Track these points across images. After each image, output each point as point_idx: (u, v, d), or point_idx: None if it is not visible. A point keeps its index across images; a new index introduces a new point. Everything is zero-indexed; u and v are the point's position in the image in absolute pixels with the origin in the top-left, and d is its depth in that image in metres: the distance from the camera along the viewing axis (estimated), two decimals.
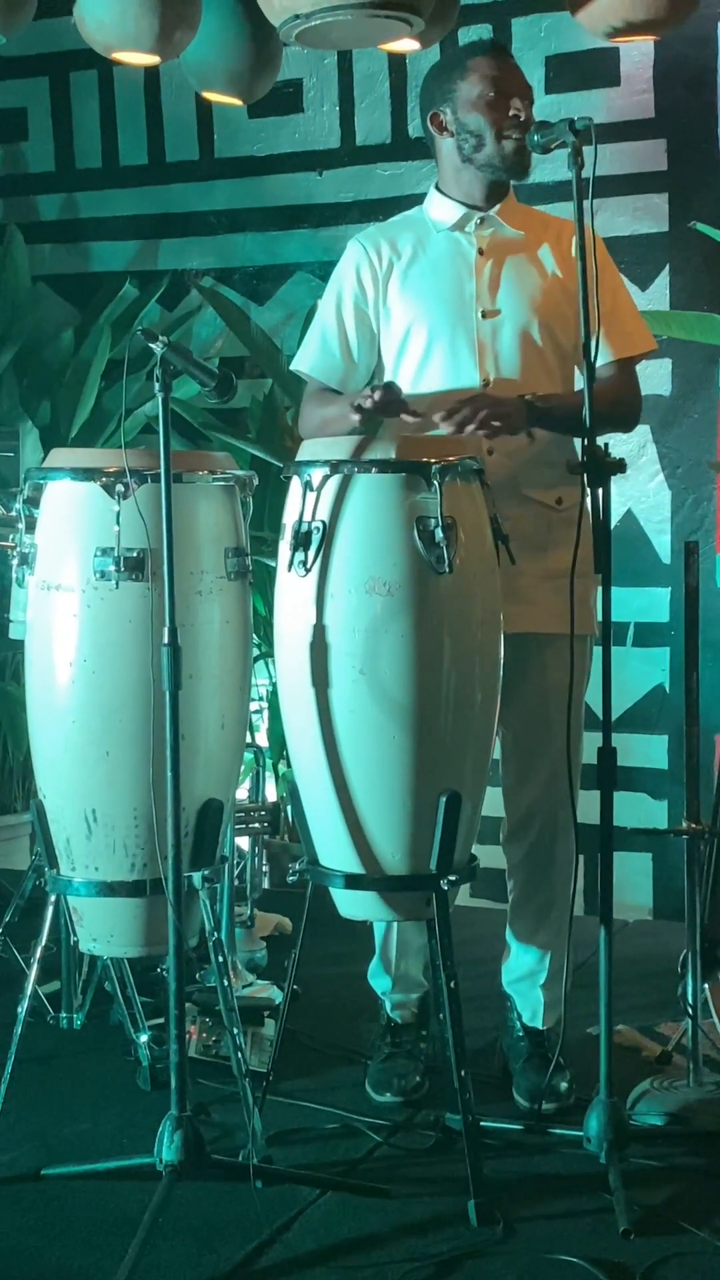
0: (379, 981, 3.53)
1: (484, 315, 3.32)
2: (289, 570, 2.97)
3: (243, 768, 3.42)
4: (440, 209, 3.40)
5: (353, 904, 3.06)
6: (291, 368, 3.60)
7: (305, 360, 3.50)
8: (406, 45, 3.94)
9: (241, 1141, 3.01)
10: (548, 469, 3.29)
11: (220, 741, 3.04)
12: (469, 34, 4.86)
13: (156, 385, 2.81)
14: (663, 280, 4.77)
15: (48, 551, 3.00)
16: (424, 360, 3.36)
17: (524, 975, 3.44)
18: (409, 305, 3.37)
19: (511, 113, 3.28)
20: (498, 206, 3.36)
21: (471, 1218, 2.81)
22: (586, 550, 3.28)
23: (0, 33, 3.82)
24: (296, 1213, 2.84)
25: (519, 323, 3.33)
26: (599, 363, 3.25)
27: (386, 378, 3.40)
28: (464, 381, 3.31)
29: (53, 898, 3.08)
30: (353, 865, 2.97)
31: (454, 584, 2.90)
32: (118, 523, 2.88)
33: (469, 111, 3.31)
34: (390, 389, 3.12)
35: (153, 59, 4.03)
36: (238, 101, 4.48)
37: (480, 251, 3.35)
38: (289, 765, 3.15)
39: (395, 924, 3.41)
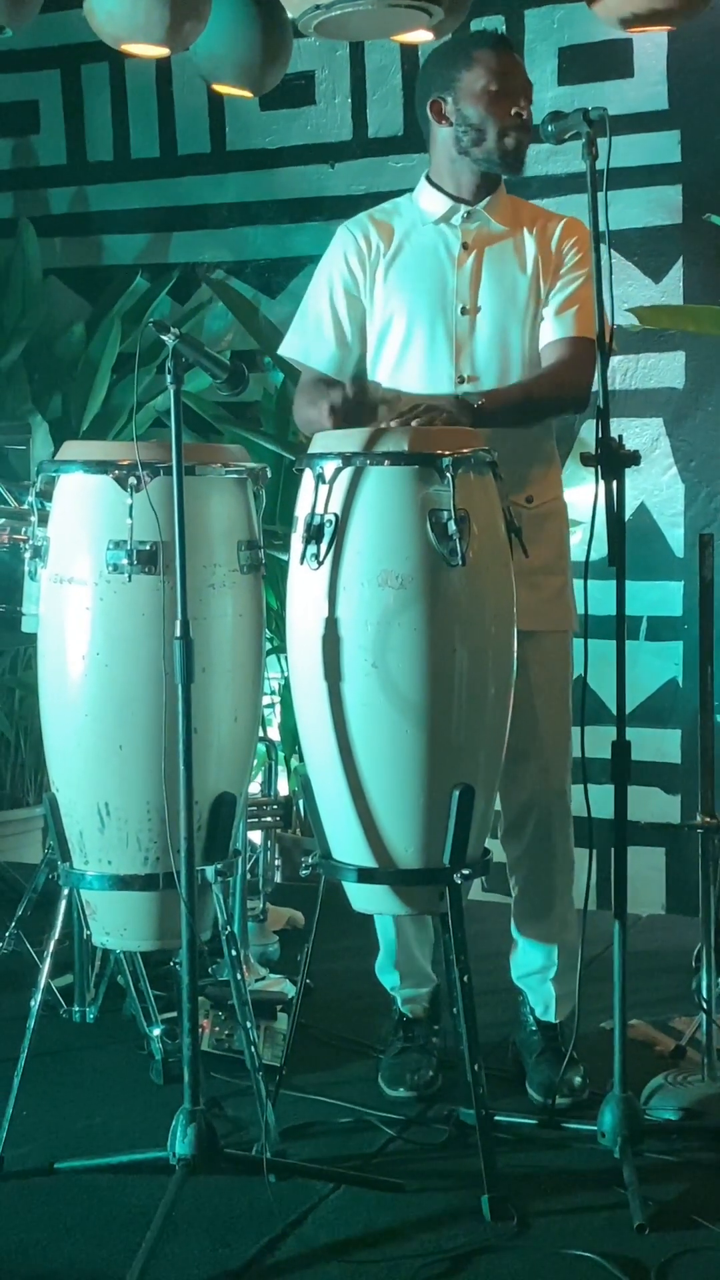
0: (387, 977, 3.53)
1: (463, 311, 3.31)
2: (301, 563, 2.96)
3: (255, 761, 3.41)
4: (429, 200, 3.38)
5: (365, 898, 3.06)
6: (279, 352, 3.58)
7: (296, 347, 3.48)
8: (420, 36, 3.94)
9: (254, 1136, 3.01)
10: (518, 466, 3.25)
11: (233, 735, 3.03)
12: (481, 25, 4.84)
13: (168, 378, 2.80)
14: (676, 273, 4.76)
15: (60, 545, 3.00)
16: (402, 353, 3.35)
17: (533, 970, 3.44)
18: (391, 296, 3.37)
19: (514, 110, 3.27)
20: (486, 200, 3.35)
21: (485, 1212, 2.81)
22: (557, 546, 3.27)
23: (6, 25, 3.80)
24: (310, 1207, 2.84)
25: (498, 320, 3.31)
26: (556, 336, 3.29)
27: (368, 368, 3.41)
28: (439, 376, 3.30)
29: (65, 891, 3.08)
30: (365, 859, 2.97)
31: (467, 576, 2.89)
32: (130, 516, 2.87)
33: (471, 104, 3.29)
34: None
35: (162, 51, 4.02)
36: (247, 94, 4.47)
37: (464, 246, 3.34)
38: (301, 759, 3.15)
39: (397, 919, 3.41)
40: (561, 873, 3.39)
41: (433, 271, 3.35)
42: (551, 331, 3.32)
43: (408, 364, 3.34)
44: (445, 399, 3.15)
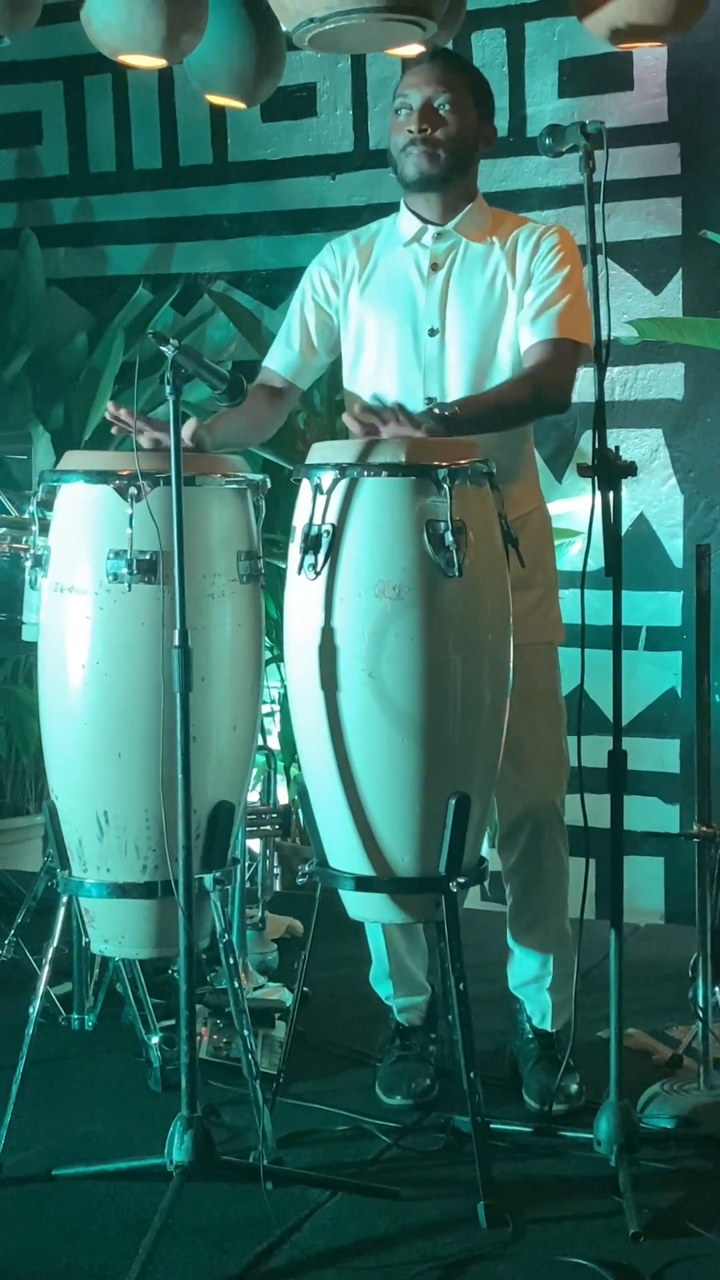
0: (381, 987, 3.54)
1: (430, 332, 3.32)
2: (299, 573, 2.98)
3: (254, 770, 3.42)
4: (404, 222, 3.40)
5: (362, 906, 3.07)
6: (264, 364, 3.61)
7: (270, 356, 3.54)
8: (415, 50, 3.94)
9: (251, 1143, 3.01)
10: None
11: (232, 744, 3.04)
12: (482, 38, 4.89)
13: (168, 389, 2.82)
14: (675, 285, 4.77)
15: (61, 554, 3.01)
16: (375, 371, 3.37)
17: (529, 979, 3.44)
18: (363, 316, 3.39)
19: (408, 129, 3.28)
20: (457, 219, 3.34)
21: (481, 1220, 2.82)
22: (532, 559, 3.25)
23: (3, 34, 3.81)
24: (306, 1214, 2.85)
25: (463, 341, 3.30)
26: (536, 339, 3.23)
27: (345, 383, 3.44)
28: (410, 396, 3.28)
29: (64, 899, 3.09)
30: (362, 867, 2.98)
31: (463, 587, 2.91)
32: (130, 525, 2.89)
33: (390, 135, 3.35)
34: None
35: (159, 62, 4.03)
36: (241, 105, 4.48)
37: (433, 266, 3.34)
38: (300, 768, 3.16)
39: (386, 929, 3.42)
40: (555, 883, 3.39)
41: (403, 292, 3.35)
42: (530, 335, 3.26)
43: (381, 384, 3.35)
44: (419, 416, 3.06)
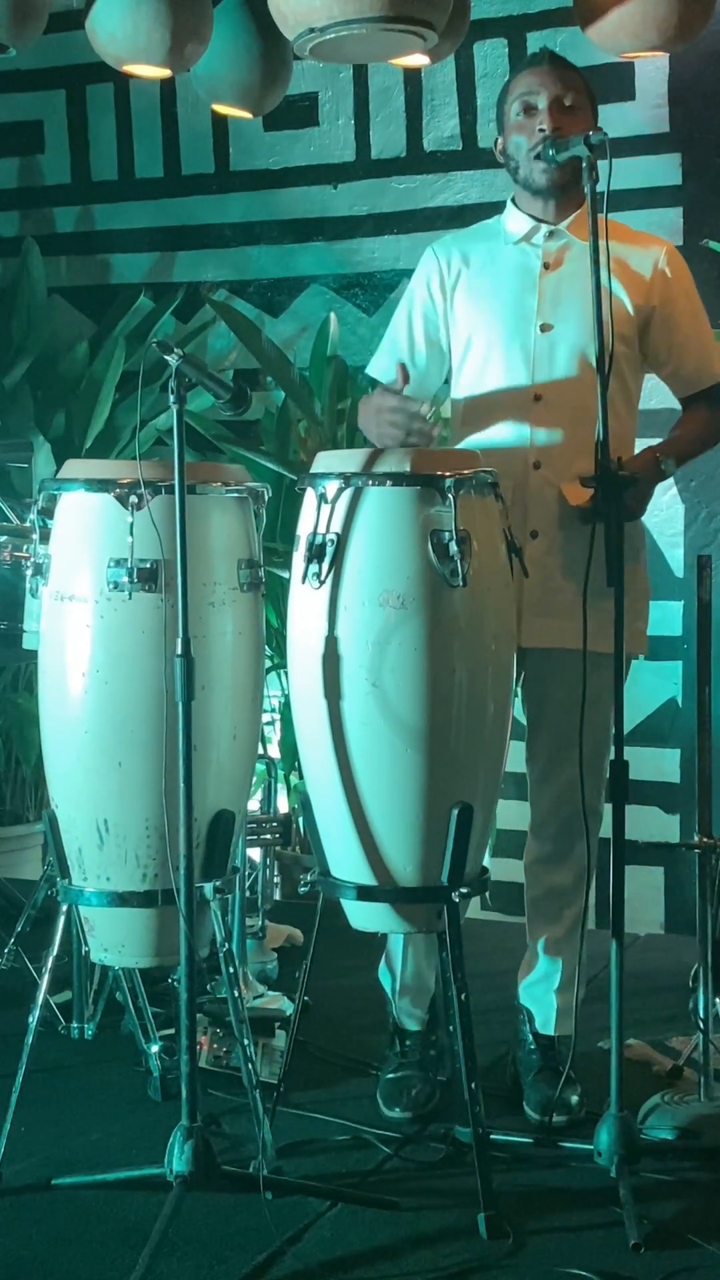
0: (386, 979, 3.50)
1: (541, 329, 3.32)
2: (302, 582, 2.98)
3: (255, 779, 3.42)
4: (513, 220, 3.40)
5: (364, 916, 3.06)
6: (366, 371, 3.62)
7: (376, 366, 3.54)
8: (417, 60, 3.95)
9: (251, 1153, 3.01)
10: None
11: (232, 752, 3.04)
12: (484, 48, 4.91)
13: (171, 398, 2.81)
14: None
15: (61, 562, 3.01)
16: (482, 369, 3.37)
17: (539, 978, 3.42)
18: (472, 314, 3.38)
19: (539, 128, 3.26)
20: (569, 220, 3.34)
21: (481, 1231, 2.82)
22: (629, 564, 3.26)
23: (10, 44, 3.81)
24: (306, 1224, 2.84)
25: (574, 338, 3.30)
26: (704, 385, 3.42)
27: (452, 384, 3.44)
28: (516, 393, 3.30)
29: (64, 907, 3.09)
30: (364, 877, 2.98)
31: (467, 597, 2.91)
32: (131, 534, 2.89)
33: (510, 135, 3.33)
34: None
35: (164, 72, 4.03)
36: (248, 114, 4.48)
37: (545, 265, 3.34)
38: (301, 777, 3.16)
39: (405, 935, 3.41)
40: (576, 878, 3.35)
41: (513, 290, 3.35)
42: (688, 385, 3.43)
43: (486, 379, 3.35)
44: (640, 482, 3.16)
